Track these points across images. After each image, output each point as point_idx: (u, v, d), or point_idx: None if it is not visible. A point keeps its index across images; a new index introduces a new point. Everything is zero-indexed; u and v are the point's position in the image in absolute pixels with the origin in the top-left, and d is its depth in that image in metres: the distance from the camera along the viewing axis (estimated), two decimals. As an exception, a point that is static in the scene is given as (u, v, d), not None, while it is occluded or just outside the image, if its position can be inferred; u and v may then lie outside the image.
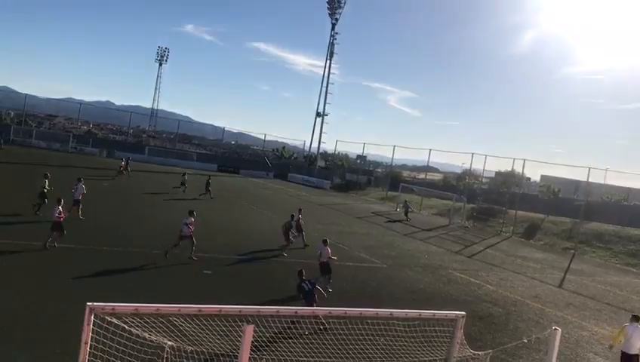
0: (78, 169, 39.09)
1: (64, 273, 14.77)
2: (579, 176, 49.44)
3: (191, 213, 19.00)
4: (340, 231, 31.07)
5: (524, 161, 47.26)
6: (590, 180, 42.26)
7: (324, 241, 18.56)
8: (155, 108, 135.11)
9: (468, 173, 60.19)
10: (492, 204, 49.25)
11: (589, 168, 40.99)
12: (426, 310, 9.84)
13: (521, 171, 50.61)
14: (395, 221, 41.24)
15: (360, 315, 8.44)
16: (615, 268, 32.55)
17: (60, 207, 17.65)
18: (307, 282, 13.75)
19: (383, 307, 10.57)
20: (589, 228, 40.04)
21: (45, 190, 23.26)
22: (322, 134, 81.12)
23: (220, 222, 27.84)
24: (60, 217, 17.50)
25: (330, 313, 8.18)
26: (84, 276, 14.76)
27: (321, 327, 9.31)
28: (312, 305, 12.91)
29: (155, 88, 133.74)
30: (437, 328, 9.23)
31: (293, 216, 24.30)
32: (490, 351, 10.35)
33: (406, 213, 43.94)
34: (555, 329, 9.23)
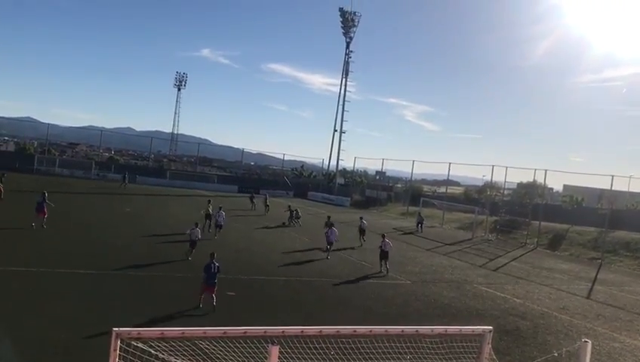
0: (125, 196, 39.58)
1: (88, 296, 14.91)
2: (602, 184, 48.80)
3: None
4: (362, 248, 30.92)
5: (546, 171, 46.84)
6: (614, 188, 41.67)
7: (383, 235, 25.13)
8: (175, 132, 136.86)
9: (489, 186, 59.65)
10: (515, 216, 48.68)
11: (612, 176, 40.49)
12: (453, 325, 9.73)
13: (543, 182, 50.15)
14: (407, 233, 41.18)
15: (385, 333, 8.36)
16: (644, 277, 31.88)
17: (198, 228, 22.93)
18: (215, 265, 15.38)
19: (408, 324, 10.48)
20: (615, 236, 39.34)
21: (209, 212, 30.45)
22: (340, 152, 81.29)
23: (240, 242, 27.91)
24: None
25: (355, 331, 8.11)
26: (111, 300, 14.87)
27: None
28: (213, 287, 15.22)
29: (175, 113, 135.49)
30: (464, 344, 9.09)
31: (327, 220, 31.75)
32: (519, 365, 10.18)
33: (419, 225, 43.73)
34: (585, 341, 9.05)
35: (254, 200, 46.95)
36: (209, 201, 33.80)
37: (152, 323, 12.50)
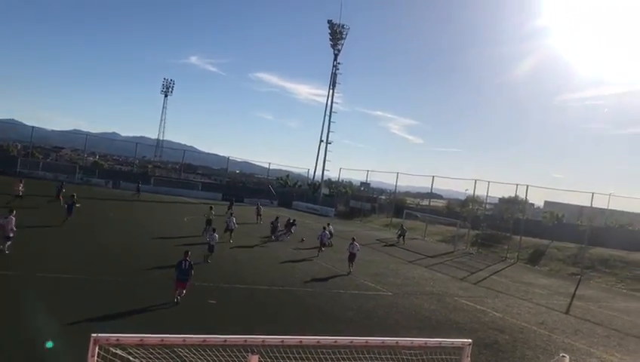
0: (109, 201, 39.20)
1: (66, 302, 14.79)
2: (582, 201, 49.28)
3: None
4: (343, 258, 30.91)
5: (527, 186, 47.24)
6: (594, 205, 42.14)
7: (353, 238, 27.45)
8: (161, 138, 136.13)
9: (471, 200, 60.09)
10: (496, 230, 49.08)
11: (593, 193, 40.93)
12: (433, 338, 9.80)
13: (524, 197, 50.57)
14: (390, 245, 41.35)
15: (366, 344, 8.42)
16: (622, 294, 32.27)
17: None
18: (187, 262, 16.69)
19: (389, 335, 10.54)
20: (594, 253, 39.81)
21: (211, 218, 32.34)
22: (326, 162, 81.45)
23: (223, 250, 27.81)
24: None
25: (335, 342, 8.15)
26: (86, 308, 14.76)
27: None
28: (185, 283, 16.54)
29: (161, 119, 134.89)
30: (443, 356, 9.17)
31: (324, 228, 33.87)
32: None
33: (400, 236, 43.91)
34: (563, 356, 9.19)
35: (232, 208, 45.21)
36: (211, 208, 34.95)
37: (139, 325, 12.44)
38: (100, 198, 46.35)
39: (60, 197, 37.49)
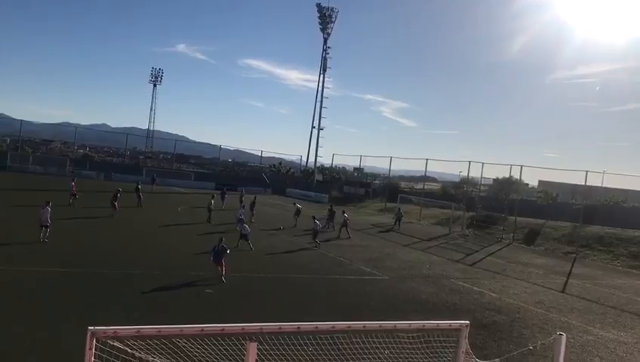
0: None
1: (61, 296, 14.72)
2: (576, 179, 49.42)
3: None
4: (339, 244, 31.01)
5: (522, 167, 47.33)
6: (588, 183, 42.27)
7: (313, 217, 31.11)
8: (152, 129, 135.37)
9: (466, 182, 60.17)
10: (491, 212, 49.17)
11: (587, 171, 41.05)
12: (430, 320, 9.80)
13: (518, 177, 50.69)
14: (388, 230, 41.30)
15: (364, 328, 8.40)
16: (617, 271, 32.47)
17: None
18: (220, 245, 18.69)
19: (386, 319, 10.54)
20: (590, 231, 40.01)
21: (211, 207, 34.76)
22: (319, 148, 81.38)
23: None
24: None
25: (333, 327, 8.12)
26: (85, 299, 14.70)
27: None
28: (219, 263, 18.49)
29: (151, 109, 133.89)
30: (441, 338, 9.17)
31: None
32: (496, 359, 10.30)
33: (397, 221, 43.82)
34: (560, 334, 9.18)
35: (225, 198, 45.18)
36: (212, 196, 36.20)
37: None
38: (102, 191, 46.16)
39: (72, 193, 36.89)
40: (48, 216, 22.19)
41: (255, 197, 40.23)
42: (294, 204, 39.99)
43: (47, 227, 22.12)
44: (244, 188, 57.08)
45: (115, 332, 6.52)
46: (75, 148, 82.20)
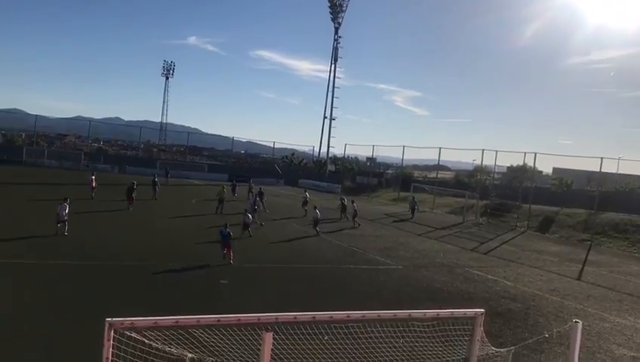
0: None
1: (79, 288, 14.89)
2: (591, 166, 48.97)
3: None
4: (352, 234, 31.02)
5: (535, 154, 46.97)
6: (603, 170, 41.85)
7: (315, 207, 32.33)
8: (164, 121, 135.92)
9: (479, 170, 59.81)
10: (505, 200, 48.91)
11: (602, 158, 40.64)
12: (445, 309, 9.79)
13: (532, 165, 50.34)
14: (402, 220, 41.17)
15: (378, 318, 8.42)
16: (634, 258, 32.20)
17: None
18: (226, 229, 20.33)
19: (401, 308, 10.54)
20: (605, 218, 39.66)
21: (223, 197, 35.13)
22: (331, 138, 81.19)
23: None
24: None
25: (348, 316, 8.15)
26: (99, 291, 14.86)
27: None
28: (227, 245, 20.14)
29: (163, 102, 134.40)
30: (456, 327, 9.17)
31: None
32: (512, 347, 10.28)
33: (412, 210, 43.68)
34: (576, 321, 9.15)
35: (236, 189, 45.39)
36: (223, 187, 36.60)
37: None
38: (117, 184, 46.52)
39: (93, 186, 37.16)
40: (65, 212, 22.44)
41: (260, 188, 40.59)
42: (305, 191, 41.28)
43: (64, 222, 22.41)
44: (253, 179, 57.20)
45: (132, 323, 6.60)
46: (90, 141, 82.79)
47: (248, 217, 26.65)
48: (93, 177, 36.92)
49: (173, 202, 38.38)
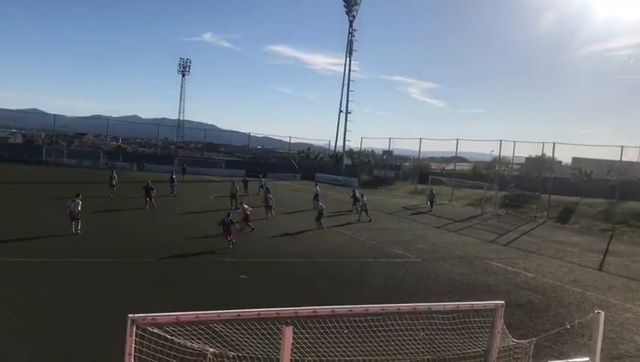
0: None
1: (101, 285, 15.08)
2: (612, 155, 48.31)
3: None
4: (370, 227, 30.99)
5: (554, 144, 46.52)
6: (624, 159, 41.33)
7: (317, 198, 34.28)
8: (181, 119, 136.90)
9: (498, 161, 59.36)
10: (524, 190, 48.55)
11: (622, 147, 40.10)
12: (465, 301, 9.75)
13: (551, 155, 49.86)
14: (420, 213, 41.00)
15: (398, 311, 8.40)
16: (656, 247, 31.77)
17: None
18: (228, 219, 21.78)
19: (420, 301, 10.52)
20: (626, 208, 39.18)
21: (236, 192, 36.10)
22: (347, 132, 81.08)
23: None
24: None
25: (367, 310, 8.14)
26: (119, 288, 15.03)
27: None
28: (229, 234, 21.59)
29: (180, 99, 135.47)
30: (477, 319, 9.12)
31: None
32: (533, 339, 10.20)
33: (431, 203, 43.51)
34: (598, 312, 9.05)
35: (249, 185, 45.11)
36: (234, 183, 37.38)
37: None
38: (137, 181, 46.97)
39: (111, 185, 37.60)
40: (78, 209, 22.35)
41: (264, 183, 43.42)
42: (316, 185, 43.08)
43: (77, 220, 22.25)
44: (269, 174, 57.42)
45: (154, 319, 6.66)
46: (108, 140, 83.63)
47: (245, 208, 26.66)
48: (114, 174, 37.35)
49: (192, 198, 38.65)
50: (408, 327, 9.27)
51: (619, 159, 41.46)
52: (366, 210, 34.27)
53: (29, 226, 22.94)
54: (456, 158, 64.70)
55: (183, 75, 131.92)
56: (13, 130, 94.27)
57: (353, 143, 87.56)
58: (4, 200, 31.11)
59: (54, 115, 75.72)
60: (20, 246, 19.28)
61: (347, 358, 9.15)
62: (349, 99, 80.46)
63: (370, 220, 33.20)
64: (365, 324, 8.87)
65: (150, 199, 32.37)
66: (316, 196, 38.03)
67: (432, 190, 46.37)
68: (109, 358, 9.76)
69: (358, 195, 37.37)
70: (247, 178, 48.27)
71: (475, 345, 9.37)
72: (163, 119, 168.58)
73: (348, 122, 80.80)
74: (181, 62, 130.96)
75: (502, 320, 8.77)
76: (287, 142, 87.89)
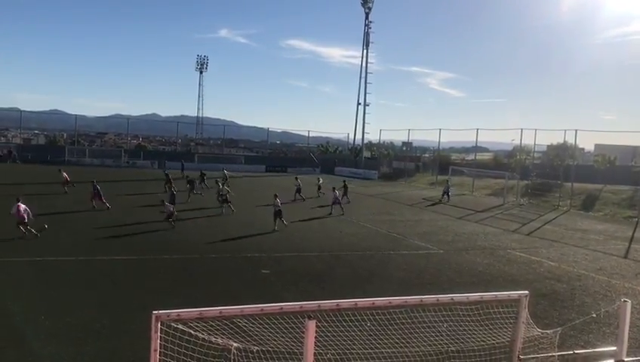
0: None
1: (125, 282, 15.27)
2: (636, 141, 47.63)
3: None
4: (391, 219, 30.91)
5: (576, 131, 45.85)
6: (648, 144, 40.65)
7: (333, 188, 33.42)
8: (201, 115, 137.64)
9: (519, 150, 58.70)
10: (546, 179, 47.98)
11: (646, 132, 39.42)
12: (488, 292, 9.68)
13: (573, 142, 49.18)
14: (434, 203, 40.71)
15: (421, 303, 8.37)
16: (683, 233, 31.20)
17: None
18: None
19: (443, 292, 10.47)
20: (652, 194, 38.53)
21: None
22: (365, 124, 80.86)
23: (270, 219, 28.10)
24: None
25: (390, 302, 8.13)
26: (147, 285, 15.19)
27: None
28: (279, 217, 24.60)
29: (199, 96, 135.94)
30: (501, 309, 9.06)
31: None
32: (559, 328, 10.10)
33: (445, 194, 43.06)
34: (625, 301, 8.92)
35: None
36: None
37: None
38: (145, 179, 47.37)
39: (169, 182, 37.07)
40: (28, 212, 20.38)
41: (201, 171, 45.01)
42: (318, 179, 45.32)
43: (25, 223, 20.12)
44: (291, 168, 57.60)
45: (178, 315, 6.72)
46: (129, 138, 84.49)
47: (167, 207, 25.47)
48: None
49: (210, 195, 38.83)
50: (431, 319, 9.24)
51: (643, 145, 40.77)
52: (341, 203, 32.66)
53: (58, 225, 23.25)
54: (477, 148, 64.14)
55: (201, 72, 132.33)
56: (36, 132, 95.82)
57: (372, 136, 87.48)
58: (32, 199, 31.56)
59: (75, 116, 76.68)
60: (50, 245, 19.55)
61: (370, 351, 9.15)
62: (367, 91, 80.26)
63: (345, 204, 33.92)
64: (388, 317, 8.86)
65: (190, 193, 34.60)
66: (319, 187, 41.97)
67: (447, 181, 46.06)
68: (135, 355, 9.90)
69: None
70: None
71: (499, 335, 9.31)
72: (182, 116, 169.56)
73: (366, 114, 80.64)
74: (198, 60, 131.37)
75: (526, 310, 8.69)
76: (305, 136, 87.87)
